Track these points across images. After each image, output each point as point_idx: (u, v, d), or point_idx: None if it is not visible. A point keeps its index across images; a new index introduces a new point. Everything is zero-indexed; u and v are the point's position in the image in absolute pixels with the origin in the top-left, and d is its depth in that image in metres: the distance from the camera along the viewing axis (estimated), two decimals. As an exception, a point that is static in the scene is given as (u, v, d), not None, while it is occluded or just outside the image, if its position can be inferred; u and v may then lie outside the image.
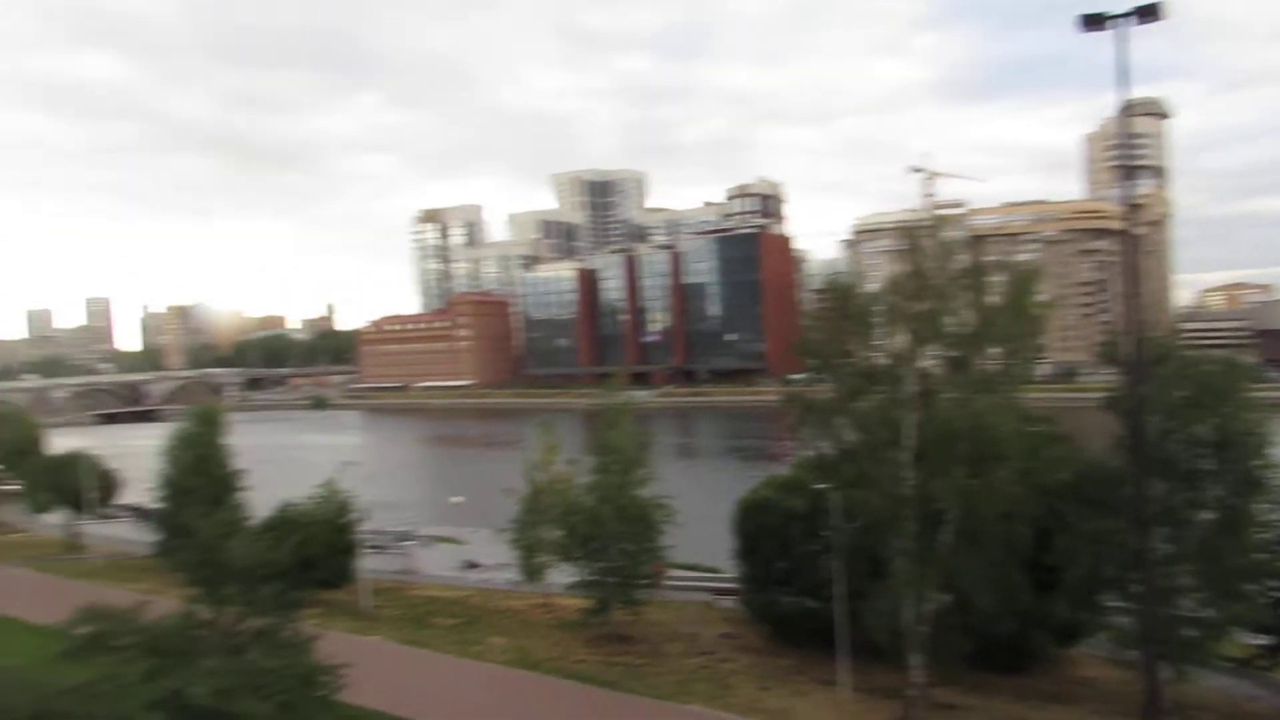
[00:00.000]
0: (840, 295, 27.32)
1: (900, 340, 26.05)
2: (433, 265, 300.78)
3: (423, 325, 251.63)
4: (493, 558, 49.26)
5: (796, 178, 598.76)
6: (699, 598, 41.35)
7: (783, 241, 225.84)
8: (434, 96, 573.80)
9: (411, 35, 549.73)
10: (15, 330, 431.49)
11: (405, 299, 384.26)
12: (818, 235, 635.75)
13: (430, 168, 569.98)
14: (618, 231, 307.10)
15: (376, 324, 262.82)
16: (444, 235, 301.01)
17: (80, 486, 56.94)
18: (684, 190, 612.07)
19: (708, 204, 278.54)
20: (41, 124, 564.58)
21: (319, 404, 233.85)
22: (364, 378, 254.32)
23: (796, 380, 34.23)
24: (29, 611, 34.44)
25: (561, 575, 38.20)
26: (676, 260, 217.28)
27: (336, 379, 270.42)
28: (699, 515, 42.82)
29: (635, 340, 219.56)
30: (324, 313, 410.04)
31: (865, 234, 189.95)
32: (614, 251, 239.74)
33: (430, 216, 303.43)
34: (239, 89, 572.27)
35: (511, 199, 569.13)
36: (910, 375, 25.42)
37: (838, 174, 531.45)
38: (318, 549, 37.77)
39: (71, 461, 60.11)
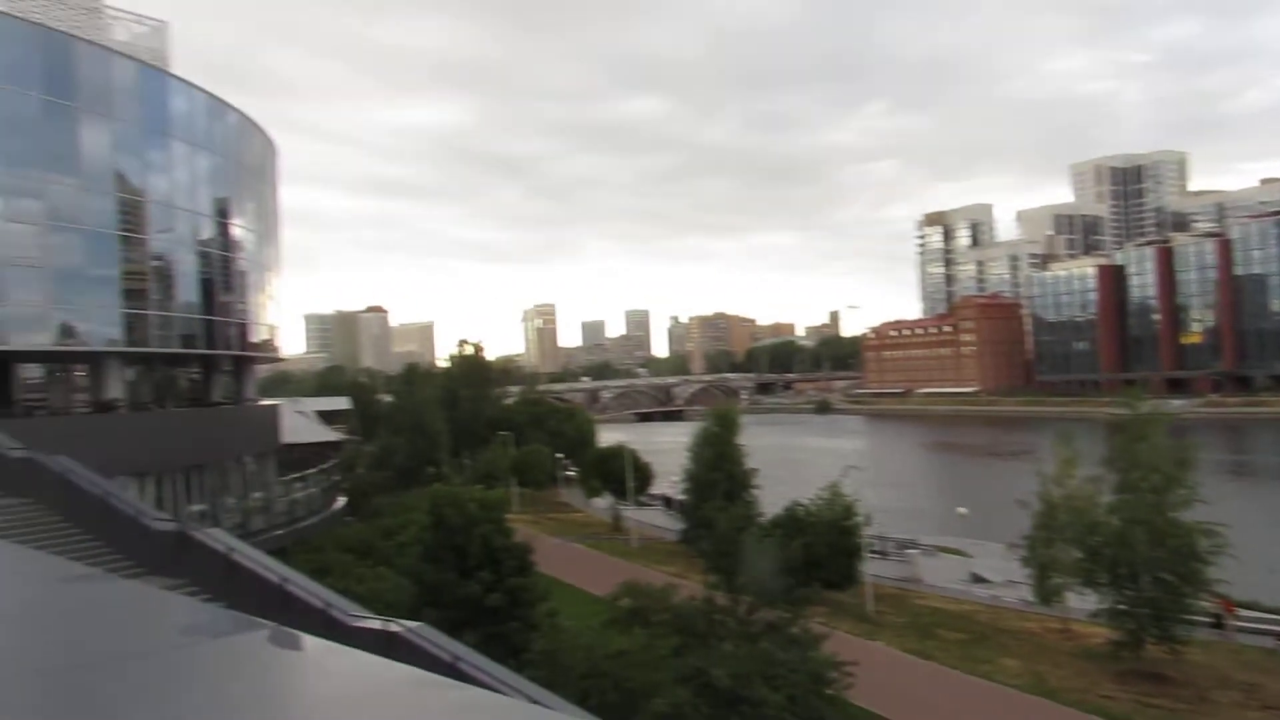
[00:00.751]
0: None
1: None
2: (936, 269, 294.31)
3: (925, 330, 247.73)
4: (1001, 574, 46.69)
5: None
6: (1260, 642, 35.10)
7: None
8: (938, 98, 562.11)
9: (917, 38, 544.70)
10: (575, 339, 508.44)
11: (907, 304, 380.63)
12: None
13: (933, 170, 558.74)
14: (1149, 221, 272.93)
15: (878, 330, 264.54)
16: (948, 238, 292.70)
17: (623, 476, 65.26)
18: (1237, 168, 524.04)
19: (1264, 181, 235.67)
20: (599, 163, 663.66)
21: (822, 408, 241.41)
22: (866, 383, 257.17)
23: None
24: (583, 581, 39.87)
25: (1082, 599, 34.95)
26: (1226, 249, 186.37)
27: (839, 384, 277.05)
28: (1258, 546, 36.50)
29: (1171, 342, 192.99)
30: (827, 320, 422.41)
31: None
32: (1144, 244, 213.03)
33: (934, 219, 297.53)
34: (757, 112, 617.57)
35: (1020, 196, 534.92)
36: None
37: None
38: (823, 550, 38.83)
39: (616, 453, 69.37)
